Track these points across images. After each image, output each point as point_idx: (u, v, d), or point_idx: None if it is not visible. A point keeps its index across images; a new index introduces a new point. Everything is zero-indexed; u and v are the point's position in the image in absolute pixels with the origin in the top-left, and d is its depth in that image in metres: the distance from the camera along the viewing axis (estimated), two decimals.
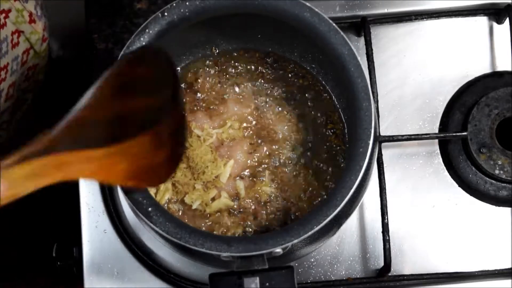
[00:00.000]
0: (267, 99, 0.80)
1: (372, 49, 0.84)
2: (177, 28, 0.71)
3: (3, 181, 0.52)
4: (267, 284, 0.63)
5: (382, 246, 0.80)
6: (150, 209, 0.66)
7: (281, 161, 0.78)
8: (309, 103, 0.80)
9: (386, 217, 0.80)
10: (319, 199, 0.76)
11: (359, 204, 0.72)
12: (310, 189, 0.77)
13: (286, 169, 0.78)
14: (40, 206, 1.05)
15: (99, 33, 0.90)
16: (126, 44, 0.69)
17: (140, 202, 0.66)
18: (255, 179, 0.77)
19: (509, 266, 0.82)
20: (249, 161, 0.78)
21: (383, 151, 0.82)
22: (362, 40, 0.85)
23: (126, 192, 0.66)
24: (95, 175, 0.60)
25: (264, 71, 0.81)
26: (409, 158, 0.85)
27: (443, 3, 0.88)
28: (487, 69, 0.87)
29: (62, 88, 1.11)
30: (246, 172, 0.78)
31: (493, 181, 0.83)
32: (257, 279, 0.63)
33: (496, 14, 0.87)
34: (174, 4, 0.70)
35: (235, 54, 0.81)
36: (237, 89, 0.80)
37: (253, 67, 0.81)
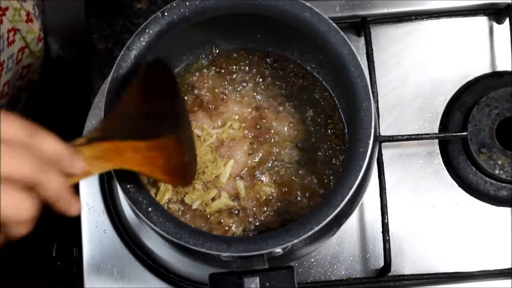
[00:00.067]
0: (267, 99, 0.80)
1: (372, 49, 0.84)
2: (177, 28, 0.71)
3: (82, 158, 0.54)
4: (267, 284, 0.63)
5: (382, 246, 0.80)
6: (150, 209, 0.66)
7: (281, 161, 0.78)
8: (309, 103, 0.80)
9: (386, 217, 0.80)
10: (319, 199, 0.76)
11: (359, 204, 0.72)
12: (310, 189, 0.77)
13: (286, 169, 0.78)
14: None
15: (99, 33, 0.90)
16: (126, 44, 0.69)
17: (140, 202, 0.66)
18: (255, 179, 0.77)
19: (509, 266, 0.82)
20: (249, 161, 0.78)
21: (383, 151, 0.82)
22: (362, 40, 0.86)
23: (126, 192, 0.66)
24: (142, 166, 0.62)
25: (264, 71, 0.81)
26: (409, 158, 0.85)
27: (443, 3, 0.88)
28: (487, 69, 0.87)
29: (58, 89, 1.11)
30: (246, 172, 0.78)
31: (493, 181, 0.83)
32: (257, 279, 0.63)
33: (496, 14, 0.87)
34: (174, 4, 0.70)
35: (235, 54, 0.81)
36: (237, 89, 0.80)
37: (253, 67, 0.81)
